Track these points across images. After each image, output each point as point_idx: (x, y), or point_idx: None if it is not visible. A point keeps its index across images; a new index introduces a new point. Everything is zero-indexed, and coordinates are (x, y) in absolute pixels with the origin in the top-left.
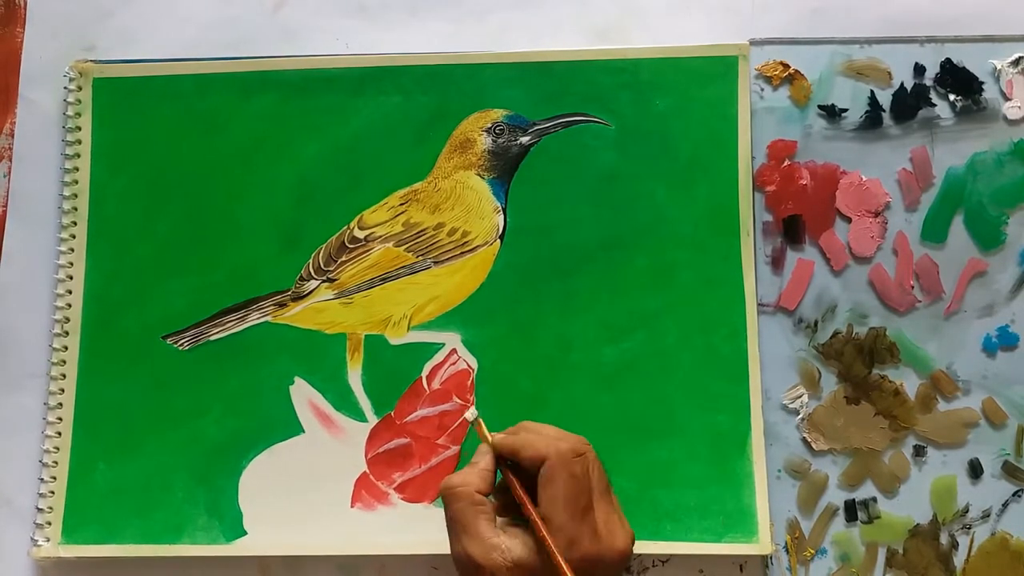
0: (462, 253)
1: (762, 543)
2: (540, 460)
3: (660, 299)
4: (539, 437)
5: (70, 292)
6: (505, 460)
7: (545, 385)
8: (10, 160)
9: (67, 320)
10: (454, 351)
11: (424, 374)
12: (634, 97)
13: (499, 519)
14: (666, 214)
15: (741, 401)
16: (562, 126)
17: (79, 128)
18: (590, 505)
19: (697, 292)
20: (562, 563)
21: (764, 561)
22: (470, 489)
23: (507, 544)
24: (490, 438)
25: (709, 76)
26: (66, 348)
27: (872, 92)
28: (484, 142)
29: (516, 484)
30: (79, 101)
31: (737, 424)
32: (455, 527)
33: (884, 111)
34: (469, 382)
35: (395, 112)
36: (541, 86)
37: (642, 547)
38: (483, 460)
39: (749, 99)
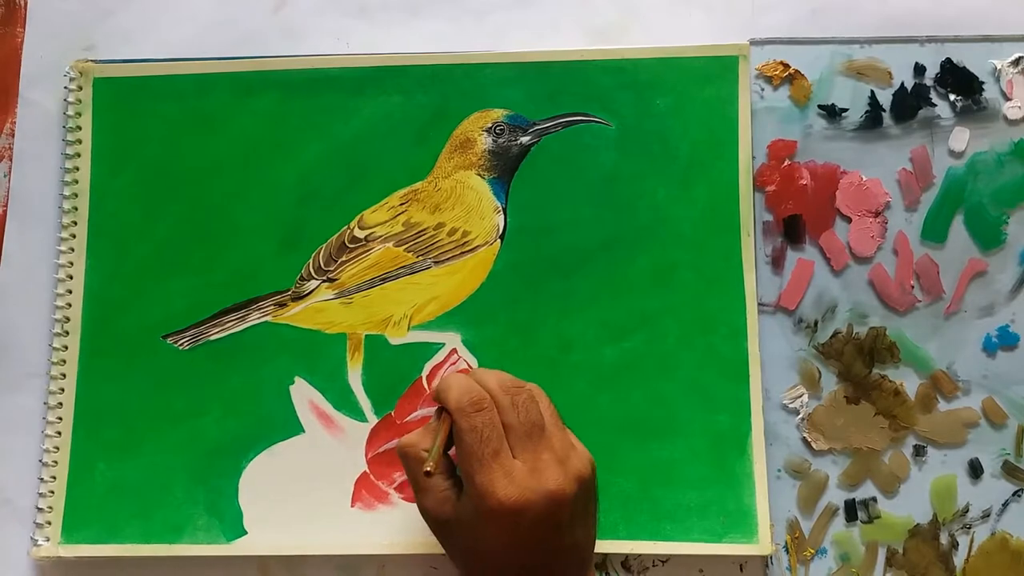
0: (462, 253)
1: (762, 543)
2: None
3: (660, 299)
4: (455, 387)
5: (70, 292)
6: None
7: (545, 385)
8: (10, 160)
9: (67, 320)
10: (454, 351)
11: (424, 374)
12: (634, 97)
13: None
14: (666, 214)
15: (741, 401)
16: (562, 126)
17: (79, 128)
18: (497, 453)
19: (697, 292)
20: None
21: (764, 561)
22: (416, 449)
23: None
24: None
25: (709, 76)
26: (66, 348)
27: (872, 92)
28: (484, 142)
29: (442, 433)
30: (79, 101)
31: (737, 424)
32: (411, 484)
33: (884, 111)
34: None
35: (395, 112)
36: (541, 86)
37: (642, 547)
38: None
39: (749, 99)
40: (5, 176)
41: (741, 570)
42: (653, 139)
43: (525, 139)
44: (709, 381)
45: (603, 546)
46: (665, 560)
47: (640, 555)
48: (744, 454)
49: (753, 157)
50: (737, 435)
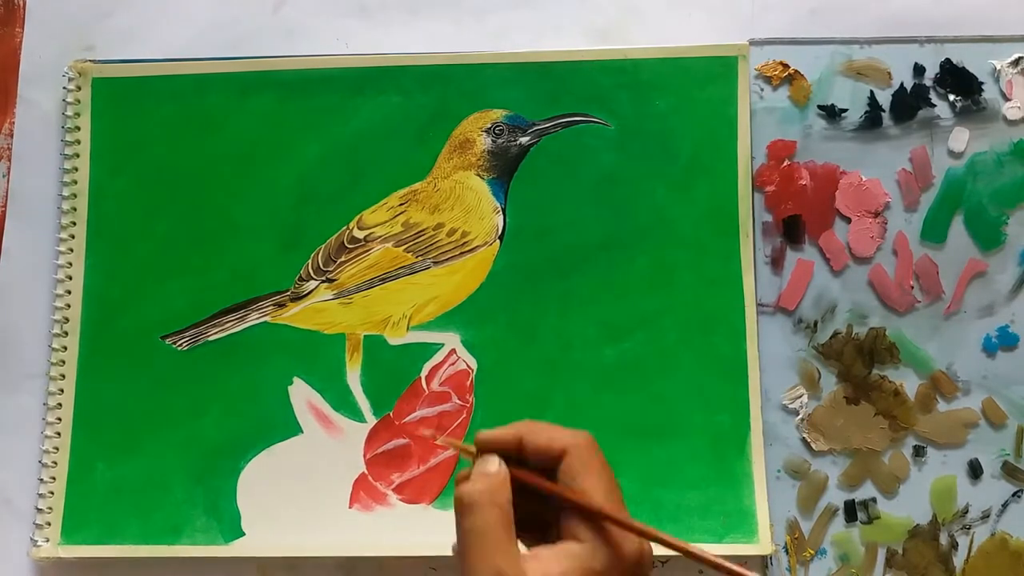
0: (462, 253)
1: (762, 543)
2: (555, 451)
3: (660, 299)
4: (543, 427)
5: (69, 292)
6: (508, 457)
7: (545, 385)
8: (9, 160)
9: (66, 320)
10: (453, 351)
11: (423, 374)
12: (634, 97)
13: None
14: (666, 214)
15: (741, 401)
16: (562, 126)
17: (78, 128)
18: (621, 497)
19: (697, 292)
20: (637, 527)
21: (764, 561)
22: (500, 498)
23: (544, 556)
24: (484, 435)
25: (709, 76)
26: (65, 348)
27: (872, 92)
28: (484, 142)
29: (538, 478)
30: (78, 101)
31: (737, 424)
32: (480, 541)
33: (884, 111)
34: (468, 382)
35: (395, 112)
36: (541, 86)
37: None
38: (492, 465)
39: (749, 99)
40: (4, 176)
41: None
42: (653, 139)
43: (524, 139)
44: (708, 381)
45: None
46: (665, 561)
47: None
48: (743, 454)
49: (752, 157)
50: (736, 435)
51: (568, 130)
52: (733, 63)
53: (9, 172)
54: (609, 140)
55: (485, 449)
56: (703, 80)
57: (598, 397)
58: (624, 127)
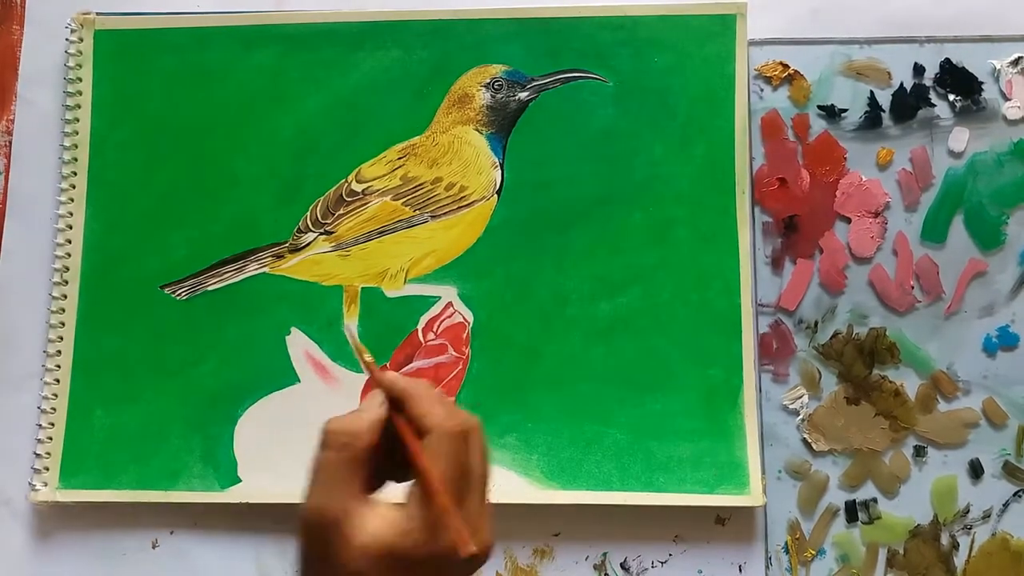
0: (459, 208)
1: (753, 495)
2: (422, 428)
3: (655, 255)
4: (430, 399)
5: (70, 242)
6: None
7: (540, 338)
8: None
9: (67, 269)
10: (450, 304)
11: (420, 327)
12: (632, 54)
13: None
14: (663, 171)
15: (734, 355)
16: (560, 82)
17: (80, 79)
18: (465, 493)
19: (692, 248)
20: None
21: (765, 561)
22: (358, 443)
23: (374, 511)
24: (379, 374)
25: (707, 34)
26: (66, 296)
27: (872, 92)
28: (483, 97)
29: (408, 432)
30: (80, 53)
31: (729, 378)
32: (322, 477)
33: (884, 111)
34: (465, 335)
35: (394, 66)
36: (540, 42)
37: (636, 498)
38: (375, 410)
39: (747, 57)
40: (6, 132)
41: (740, 570)
42: (651, 96)
43: (523, 95)
44: (702, 336)
45: (598, 497)
46: (664, 561)
47: (640, 555)
48: (736, 407)
49: (753, 158)
50: (729, 389)
51: (567, 86)
52: (731, 21)
53: (12, 127)
54: (607, 96)
55: (380, 385)
56: (701, 38)
57: (593, 350)
58: (622, 83)
